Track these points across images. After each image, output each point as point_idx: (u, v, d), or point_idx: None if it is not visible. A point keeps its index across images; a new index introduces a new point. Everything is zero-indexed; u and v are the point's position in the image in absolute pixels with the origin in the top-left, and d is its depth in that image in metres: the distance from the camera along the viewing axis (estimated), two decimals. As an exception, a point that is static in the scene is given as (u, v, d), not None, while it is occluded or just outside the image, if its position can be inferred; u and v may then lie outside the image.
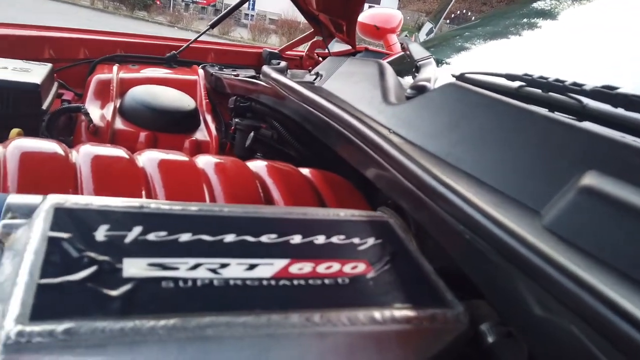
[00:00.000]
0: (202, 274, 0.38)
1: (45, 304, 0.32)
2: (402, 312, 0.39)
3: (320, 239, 0.46)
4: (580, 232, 0.38)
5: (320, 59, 2.15)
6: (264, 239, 0.44)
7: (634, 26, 0.80)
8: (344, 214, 0.53)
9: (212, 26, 1.96)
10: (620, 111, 0.52)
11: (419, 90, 0.75)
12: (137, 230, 0.41)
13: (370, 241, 0.48)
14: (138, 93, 1.42)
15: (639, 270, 0.33)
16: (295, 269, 0.41)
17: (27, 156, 0.60)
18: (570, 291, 0.34)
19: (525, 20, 1.17)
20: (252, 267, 0.40)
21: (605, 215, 0.37)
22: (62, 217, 0.40)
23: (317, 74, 1.08)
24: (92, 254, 0.37)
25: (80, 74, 1.66)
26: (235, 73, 1.60)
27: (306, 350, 0.35)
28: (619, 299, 0.31)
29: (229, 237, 0.43)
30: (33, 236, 0.37)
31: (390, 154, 0.60)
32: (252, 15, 21.36)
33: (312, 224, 0.49)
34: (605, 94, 0.52)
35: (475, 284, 0.45)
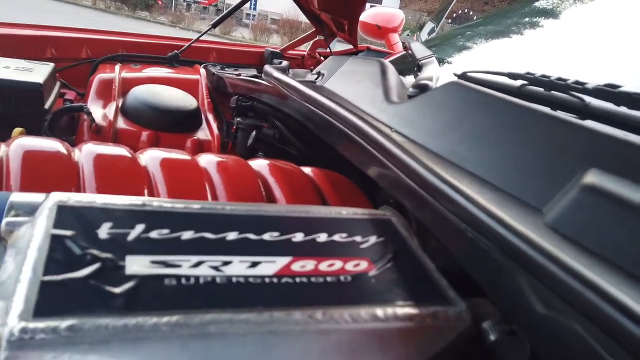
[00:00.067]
0: (204, 271, 0.38)
1: (49, 300, 0.32)
2: (404, 309, 0.39)
3: (322, 237, 0.46)
4: (582, 230, 0.38)
5: (322, 58, 2.15)
6: (266, 236, 0.44)
7: (636, 24, 0.80)
8: (346, 212, 0.53)
9: (214, 25, 1.96)
10: (623, 109, 0.52)
11: (421, 88, 0.75)
12: (139, 228, 0.41)
13: (373, 239, 0.48)
14: (140, 92, 1.43)
15: None
16: (297, 266, 0.41)
17: (29, 155, 0.60)
18: (574, 289, 0.33)
19: (527, 19, 1.16)
20: (254, 264, 0.40)
21: (608, 213, 0.37)
22: (65, 215, 0.40)
23: (319, 73, 1.08)
24: (95, 252, 0.37)
25: (83, 74, 1.66)
26: (237, 72, 1.60)
27: (309, 347, 0.35)
28: (623, 297, 0.31)
29: (232, 235, 0.43)
30: (36, 234, 0.37)
31: (393, 152, 0.60)
32: (254, 15, 21.37)
33: (314, 222, 0.49)
34: (608, 92, 0.52)
35: (478, 282, 0.45)
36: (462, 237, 0.45)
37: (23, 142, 0.63)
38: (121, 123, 1.37)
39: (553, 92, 0.60)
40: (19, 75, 1.12)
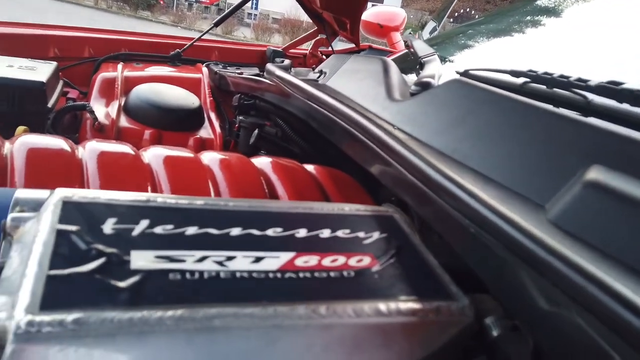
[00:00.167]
0: (208, 266, 0.38)
1: (55, 294, 0.32)
2: (407, 304, 0.39)
3: (325, 233, 0.47)
4: (585, 226, 0.38)
5: (324, 57, 2.15)
6: (270, 232, 0.45)
7: (638, 21, 0.80)
8: (349, 208, 0.53)
9: (216, 24, 1.96)
10: (626, 106, 0.52)
11: (423, 86, 0.75)
12: (144, 223, 0.41)
13: (376, 235, 0.49)
14: (142, 91, 1.43)
15: None
16: (301, 262, 0.41)
17: (33, 152, 0.61)
18: (576, 284, 0.34)
19: (529, 17, 1.16)
20: (258, 259, 0.40)
21: (611, 209, 0.37)
22: (70, 211, 0.40)
23: (321, 72, 1.08)
24: (100, 247, 0.37)
25: (85, 73, 1.67)
26: (239, 71, 1.60)
27: (312, 342, 0.35)
28: (626, 291, 0.31)
29: (235, 231, 0.43)
30: (42, 229, 0.37)
31: (396, 149, 0.60)
32: (255, 15, 21.37)
33: (317, 218, 0.49)
34: (611, 89, 0.52)
35: (480, 278, 0.45)
36: (465, 233, 0.45)
37: (27, 140, 0.63)
38: (124, 122, 1.37)
39: (555, 89, 0.60)
40: (23, 74, 1.13)
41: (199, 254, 0.39)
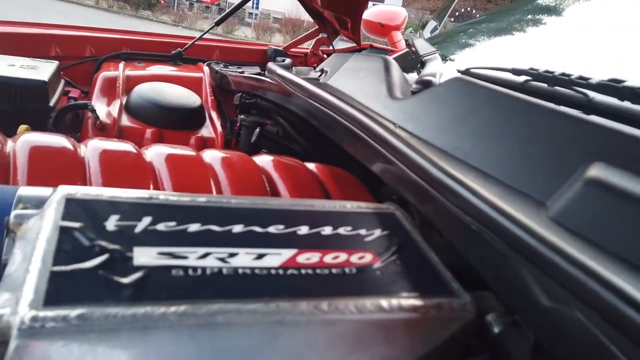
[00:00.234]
0: (211, 262, 0.38)
1: (58, 290, 0.32)
2: (409, 300, 0.40)
3: (327, 230, 0.47)
4: (586, 223, 0.38)
5: (325, 56, 2.15)
6: (272, 229, 0.45)
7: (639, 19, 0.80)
8: (350, 206, 0.53)
9: (217, 23, 1.96)
10: (627, 104, 0.52)
11: (425, 84, 0.75)
12: (146, 220, 0.41)
13: (377, 232, 0.49)
14: (144, 90, 1.43)
15: None
16: (302, 258, 0.42)
17: (36, 150, 0.61)
18: (578, 280, 0.34)
19: (529, 16, 1.16)
20: (260, 256, 0.41)
21: (612, 206, 0.38)
22: (73, 208, 0.40)
23: (322, 71, 1.09)
24: (103, 243, 0.37)
25: (87, 72, 1.67)
26: (240, 70, 1.61)
27: (314, 337, 0.35)
28: (627, 287, 0.31)
29: (237, 228, 0.44)
30: (45, 225, 0.38)
31: (398, 147, 0.60)
32: (256, 14, 21.37)
33: (319, 215, 0.50)
34: (612, 87, 0.52)
35: (482, 275, 0.45)
36: (467, 231, 0.46)
37: (29, 138, 0.63)
38: (125, 120, 1.37)
39: (557, 87, 0.60)
40: (24, 73, 1.13)
41: (202, 250, 0.39)
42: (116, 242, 0.38)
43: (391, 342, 0.37)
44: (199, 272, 0.37)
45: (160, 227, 0.41)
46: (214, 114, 1.53)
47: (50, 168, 0.60)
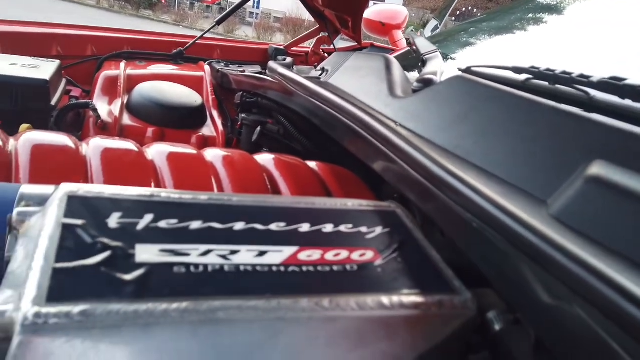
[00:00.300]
0: (212, 259, 0.38)
1: (61, 287, 0.32)
2: (410, 297, 0.40)
3: (328, 228, 0.47)
4: (587, 221, 0.38)
5: (326, 55, 2.15)
6: (273, 227, 0.45)
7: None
8: (351, 203, 0.53)
9: (218, 23, 1.96)
10: (628, 102, 0.52)
11: (426, 83, 0.76)
12: (148, 217, 0.42)
13: (378, 230, 0.49)
14: (145, 89, 1.44)
15: None
16: (304, 256, 0.42)
17: (38, 149, 0.61)
18: (580, 277, 0.34)
19: (530, 15, 1.16)
20: (261, 253, 0.41)
21: (613, 204, 0.38)
22: (75, 205, 0.41)
23: (323, 69, 1.09)
24: (106, 240, 0.37)
25: (88, 71, 1.67)
26: (241, 69, 1.61)
27: (316, 334, 0.35)
28: (629, 284, 0.31)
29: (239, 225, 0.44)
30: (47, 223, 0.38)
31: (399, 146, 0.60)
32: (257, 14, 21.37)
33: (320, 213, 0.50)
34: (613, 85, 0.52)
35: (483, 273, 0.45)
36: (468, 228, 0.46)
37: (31, 136, 0.63)
38: (127, 119, 1.38)
39: (558, 85, 0.60)
40: (26, 72, 1.13)
41: (203, 247, 0.39)
42: (118, 240, 0.38)
43: (392, 339, 0.37)
44: (201, 269, 0.37)
45: (162, 224, 0.41)
46: (215, 113, 1.53)
47: (52, 166, 0.60)
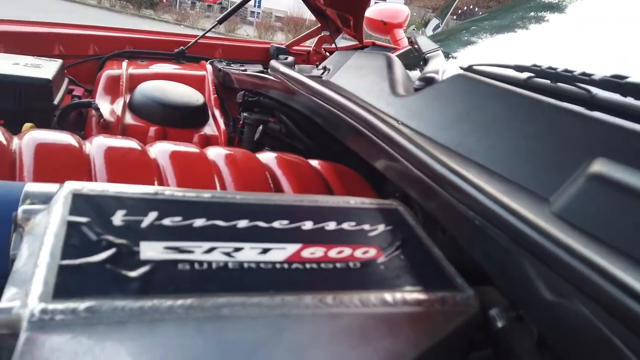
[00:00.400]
0: (216, 257, 0.39)
1: (67, 283, 0.33)
2: (413, 294, 0.40)
3: (331, 225, 0.47)
4: (589, 218, 0.38)
5: (328, 54, 2.15)
6: (276, 224, 0.45)
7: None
8: (354, 201, 0.53)
9: (219, 22, 1.97)
10: (630, 100, 0.52)
11: (427, 81, 0.76)
12: (152, 215, 0.42)
13: (381, 227, 0.49)
14: (147, 88, 1.44)
15: None
16: (307, 253, 0.42)
17: (41, 147, 0.61)
18: (582, 274, 0.34)
19: (532, 13, 1.16)
20: (265, 251, 0.41)
21: (615, 201, 0.38)
22: (80, 203, 0.41)
23: (325, 68, 1.09)
24: (110, 238, 0.38)
25: (90, 70, 1.68)
26: (243, 68, 1.61)
27: (319, 330, 0.36)
28: (631, 281, 0.31)
29: (242, 223, 0.44)
30: (52, 220, 0.38)
31: (401, 144, 0.61)
32: (258, 13, 21.36)
33: (323, 210, 0.50)
34: (615, 83, 0.52)
35: (485, 271, 0.45)
36: (470, 226, 0.46)
37: (35, 135, 0.64)
38: (129, 118, 1.38)
39: (559, 83, 0.60)
40: (28, 71, 1.14)
41: (207, 245, 0.40)
42: (123, 237, 0.38)
43: (395, 335, 0.37)
44: (205, 266, 0.37)
45: (166, 222, 0.42)
46: (217, 112, 1.53)
47: (56, 165, 0.60)
